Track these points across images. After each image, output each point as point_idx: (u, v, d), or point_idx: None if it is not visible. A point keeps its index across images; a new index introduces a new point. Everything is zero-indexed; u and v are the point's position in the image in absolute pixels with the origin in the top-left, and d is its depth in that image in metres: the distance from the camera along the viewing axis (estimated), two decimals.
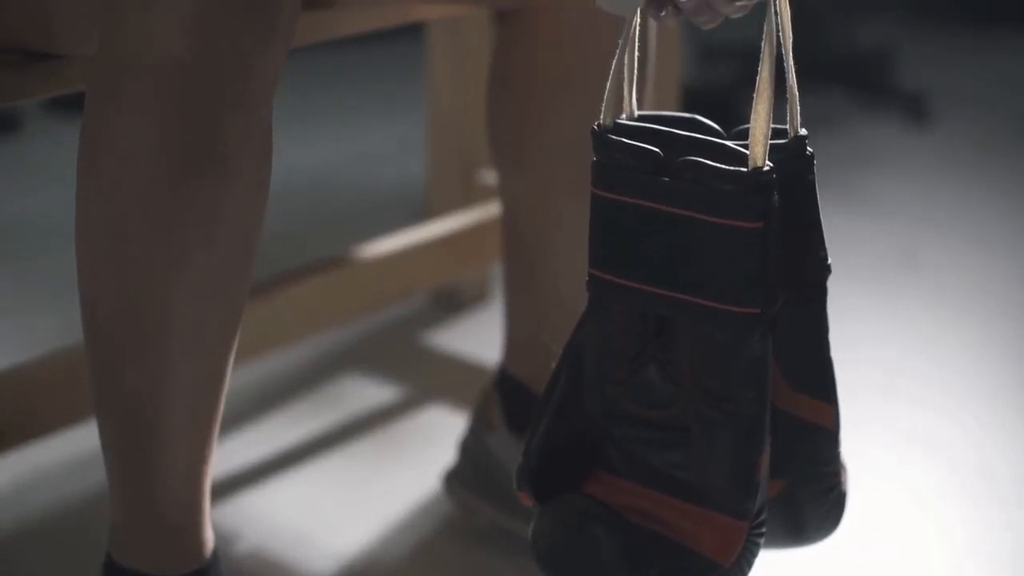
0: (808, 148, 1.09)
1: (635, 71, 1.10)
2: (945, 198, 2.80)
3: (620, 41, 1.08)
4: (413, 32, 2.07)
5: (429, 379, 2.00)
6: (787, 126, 1.09)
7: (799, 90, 1.08)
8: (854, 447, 1.31)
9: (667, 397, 1.07)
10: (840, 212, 2.63)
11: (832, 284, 1.11)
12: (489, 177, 2.16)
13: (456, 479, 1.61)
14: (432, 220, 2.09)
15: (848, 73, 3.42)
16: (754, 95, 1.03)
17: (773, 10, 1.04)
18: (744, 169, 1.02)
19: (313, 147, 3.01)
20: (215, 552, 1.28)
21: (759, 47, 1.02)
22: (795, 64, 1.08)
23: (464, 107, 2.14)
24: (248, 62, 1.08)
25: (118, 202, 1.09)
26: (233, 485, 1.70)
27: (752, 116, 1.02)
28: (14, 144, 3.06)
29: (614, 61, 1.09)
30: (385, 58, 3.49)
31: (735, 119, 1.14)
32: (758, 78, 1.03)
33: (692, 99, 2.72)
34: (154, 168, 1.08)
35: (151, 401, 1.16)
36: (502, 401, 1.57)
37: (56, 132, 3.02)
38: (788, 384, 1.10)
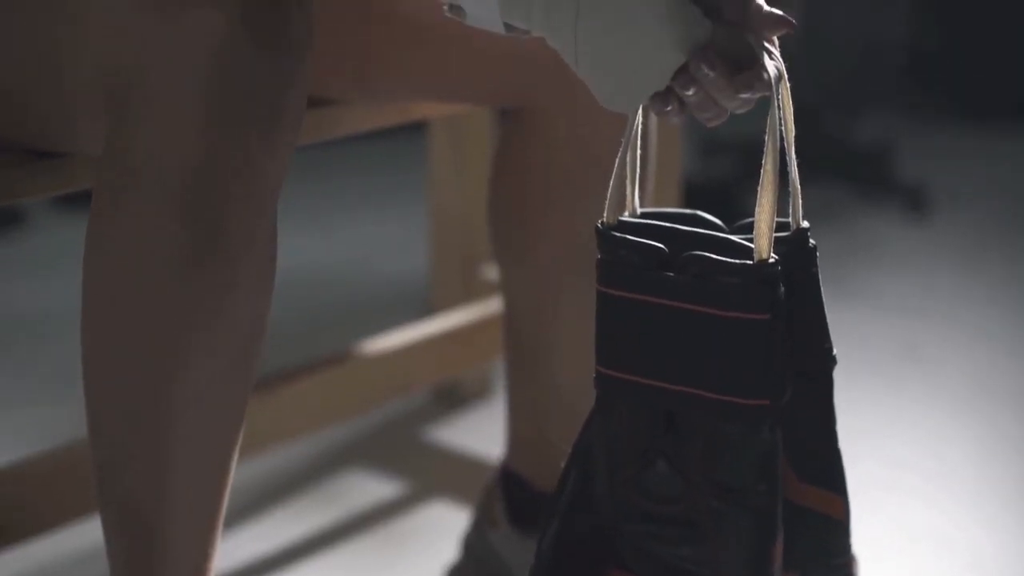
0: (811, 240, 1.10)
1: (637, 168, 1.11)
2: (946, 290, 2.81)
3: (623, 139, 1.09)
4: (414, 127, 2.09)
5: (431, 475, 2.00)
6: (789, 219, 1.09)
7: (800, 183, 1.09)
8: (855, 541, 1.30)
9: (677, 491, 1.07)
10: (841, 303, 2.63)
11: (834, 375, 1.11)
12: (491, 272, 2.16)
13: None
14: (434, 315, 2.10)
15: (848, 166, 3.44)
16: (758, 188, 1.03)
17: (776, 104, 1.04)
18: (749, 262, 1.02)
19: (314, 242, 3.02)
20: None
21: (759, 141, 1.03)
22: (796, 157, 1.09)
23: (466, 203, 2.15)
24: (253, 164, 1.09)
25: (123, 303, 1.10)
26: None
27: (757, 209, 1.03)
28: (18, 237, 3.07)
29: (617, 159, 1.10)
30: (386, 152, 3.51)
31: (737, 213, 1.15)
32: (762, 171, 1.03)
33: (694, 194, 2.74)
34: (159, 270, 1.08)
35: (153, 501, 1.15)
36: (505, 497, 1.57)
37: (60, 226, 3.03)
38: (796, 475, 1.10)
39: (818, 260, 1.10)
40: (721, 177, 3.34)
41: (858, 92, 3.52)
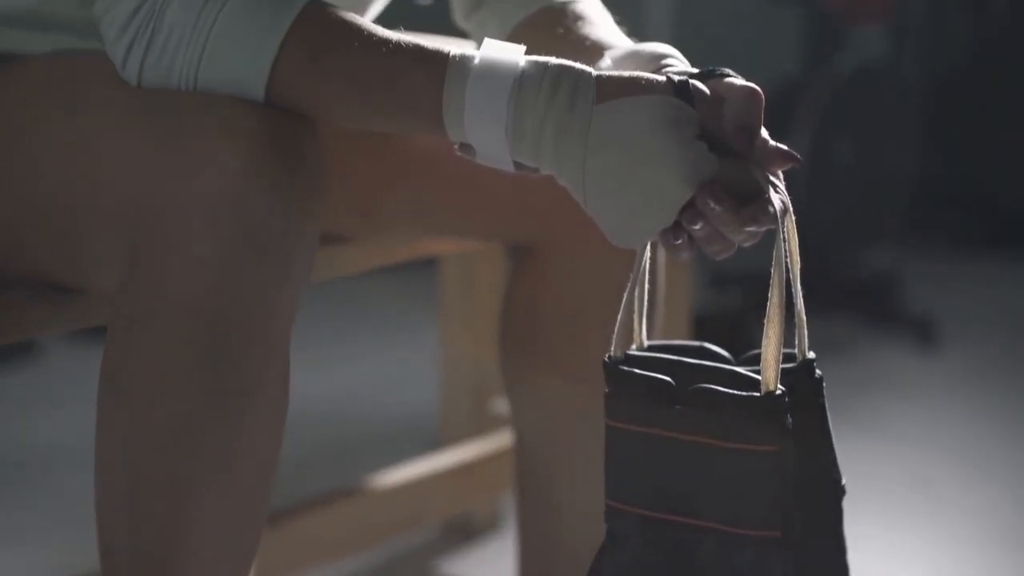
0: (817, 371, 1.10)
1: (646, 302, 1.13)
2: (955, 422, 2.80)
3: (632, 273, 1.11)
4: (425, 260, 2.11)
5: None
6: (795, 350, 1.10)
7: (807, 314, 1.10)
8: None
9: None
10: (850, 434, 2.63)
11: (843, 506, 1.11)
12: (501, 406, 2.17)
13: None
14: (444, 449, 2.10)
15: (855, 296, 3.45)
16: (765, 320, 1.05)
17: (782, 237, 1.06)
18: (756, 394, 1.03)
19: (323, 375, 3.02)
20: None
21: (767, 272, 1.05)
22: (802, 289, 1.10)
23: (476, 336, 2.16)
24: (266, 301, 1.10)
25: (136, 438, 1.10)
26: None
27: (763, 341, 1.04)
28: (31, 369, 3.08)
29: (625, 293, 1.11)
30: (396, 285, 3.53)
31: (746, 343, 1.16)
32: (769, 303, 1.05)
33: (703, 325, 2.75)
34: (173, 407, 1.09)
35: None
36: None
37: (73, 358, 3.04)
38: None
39: (825, 391, 1.11)
40: (730, 308, 3.35)
41: (864, 221, 3.54)
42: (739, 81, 1.12)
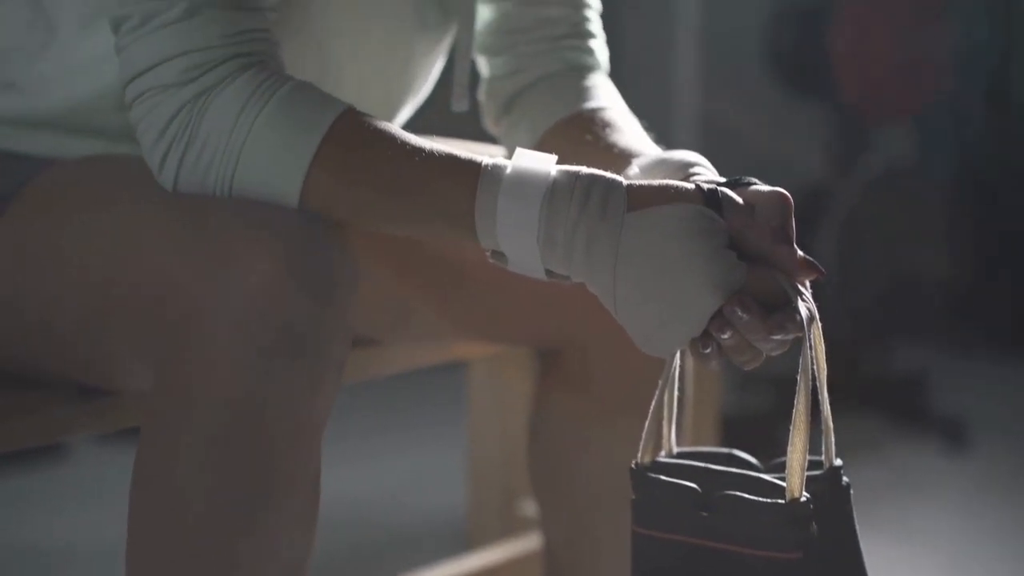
0: (844, 478, 1.11)
1: (675, 408, 1.13)
2: (986, 525, 2.78)
3: (661, 380, 1.12)
4: (454, 363, 2.12)
5: None
6: (823, 457, 1.11)
7: (834, 415, 1.11)
8: None
9: None
10: (878, 538, 2.61)
11: None
12: (530, 508, 2.17)
13: None
14: (473, 551, 2.09)
15: (884, 398, 3.44)
16: (791, 427, 1.05)
17: (808, 345, 1.07)
18: (781, 501, 1.03)
19: (352, 476, 3.02)
20: None
21: (796, 374, 1.06)
22: (830, 388, 1.10)
23: (505, 438, 2.16)
24: (298, 405, 1.11)
25: (168, 539, 1.11)
26: None
27: (789, 448, 1.05)
28: (60, 469, 3.08)
29: (654, 401, 1.12)
30: (425, 388, 3.53)
31: (775, 446, 1.17)
32: (794, 411, 1.05)
33: (731, 427, 2.75)
34: (205, 509, 1.09)
35: None
36: None
37: (103, 459, 3.04)
38: None
39: (852, 497, 1.11)
40: (759, 411, 3.34)
41: (893, 320, 3.54)
42: (767, 188, 1.13)
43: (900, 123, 3.83)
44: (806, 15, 3.52)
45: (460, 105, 1.42)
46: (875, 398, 3.42)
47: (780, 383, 3.34)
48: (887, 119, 3.68)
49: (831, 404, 1.11)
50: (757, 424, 3.21)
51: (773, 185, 1.13)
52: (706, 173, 1.18)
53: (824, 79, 3.50)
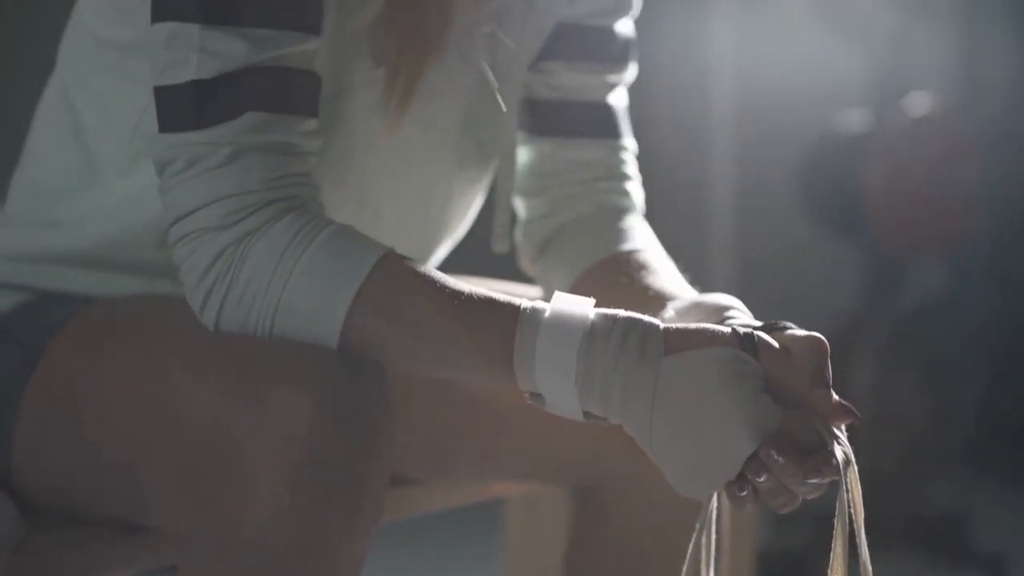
0: None
1: (712, 548, 1.13)
2: None
3: (698, 522, 1.12)
4: (490, 502, 2.11)
5: None
6: None
7: (872, 552, 1.10)
8: None
9: None
10: None
11: None
12: None
13: None
14: None
15: (922, 535, 3.41)
16: (828, 570, 1.05)
17: (844, 488, 1.07)
18: None
19: None
20: None
21: (832, 510, 1.06)
22: (867, 527, 1.10)
23: None
24: (335, 546, 1.11)
25: None
26: None
27: None
28: None
29: (691, 543, 1.12)
30: (460, 523, 3.52)
31: None
32: (832, 554, 1.05)
33: (766, 562, 2.73)
34: None
35: None
36: None
37: None
38: None
39: None
40: (795, 546, 3.31)
41: (930, 457, 3.52)
42: (802, 332, 1.14)
43: (934, 259, 3.84)
44: (840, 151, 3.55)
45: (501, 246, 1.44)
46: (914, 535, 3.39)
47: (816, 519, 3.32)
48: (921, 255, 3.69)
49: (868, 544, 1.10)
50: (793, 561, 3.19)
51: (808, 323, 1.15)
52: (741, 316, 1.20)
53: (858, 214, 3.52)
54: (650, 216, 1.49)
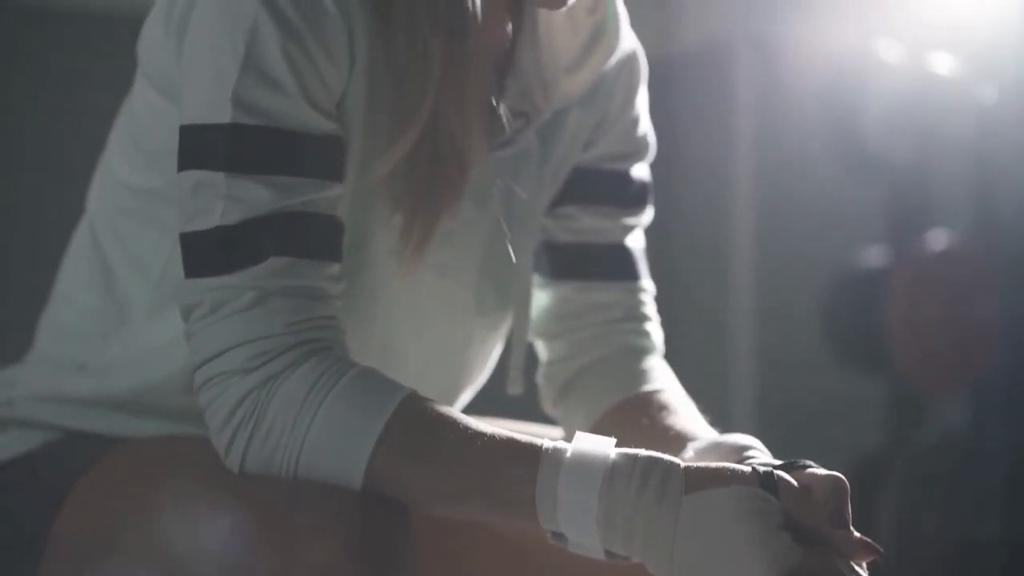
0: None
1: None
2: None
3: None
4: None
5: None
6: None
7: None
8: None
9: None
10: None
11: None
12: None
13: None
14: None
15: None
16: None
17: None
18: None
19: None
20: None
21: None
22: None
23: None
24: None
25: None
26: None
27: None
28: None
29: None
30: None
31: None
32: None
33: None
34: None
35: None
36: None
37: None
38: None
39: None
40: None
41: None
42: (822, 471, 1.15)
43: (955, 394, 3.83)
44: (860, 287, 3.57)
45: (515, 388, 1.45)
46: None
47: None
48: (942, 390, 3.69)
49: None
50: None
51: (829, 460, 1.16)
52: (761, 456, 1.21)
53: (878, 350, 3.52)
54: (670, 355, 1.50)
